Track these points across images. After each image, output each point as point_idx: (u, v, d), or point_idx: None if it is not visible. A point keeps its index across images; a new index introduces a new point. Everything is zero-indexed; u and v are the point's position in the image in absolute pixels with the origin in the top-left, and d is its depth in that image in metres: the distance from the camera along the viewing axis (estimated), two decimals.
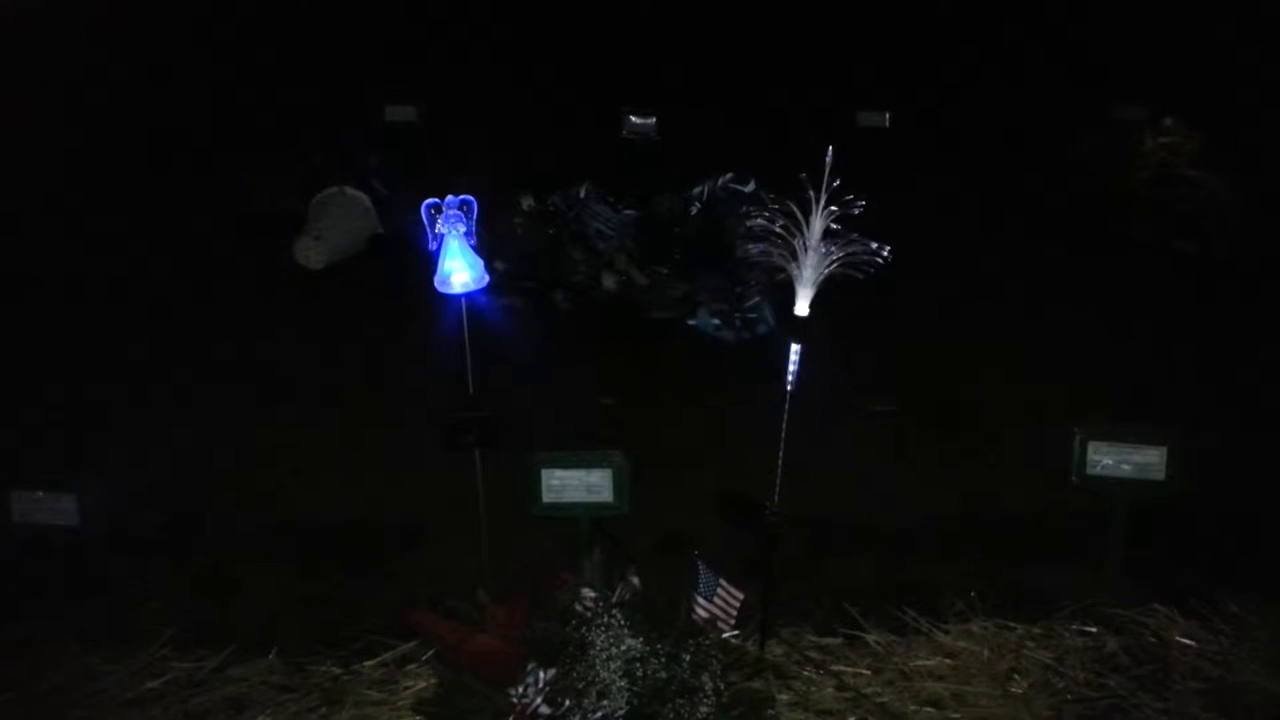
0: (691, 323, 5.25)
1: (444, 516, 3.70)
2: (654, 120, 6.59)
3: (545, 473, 3.29)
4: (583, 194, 5.84)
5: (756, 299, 5.19)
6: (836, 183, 2.65)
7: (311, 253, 5.93)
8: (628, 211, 5.81)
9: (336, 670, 3.15)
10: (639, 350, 5.07)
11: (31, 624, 3.30)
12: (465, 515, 3.40)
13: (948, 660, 3.12)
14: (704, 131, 6.75)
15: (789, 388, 2.84)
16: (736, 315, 5.17)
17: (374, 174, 6.39)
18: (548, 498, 3.30)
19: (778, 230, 2.69)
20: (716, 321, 5.18)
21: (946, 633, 3.22)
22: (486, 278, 3.03)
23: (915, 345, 4.99)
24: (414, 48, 7.95)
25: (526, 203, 5.83)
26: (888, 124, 6.61)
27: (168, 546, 3.74)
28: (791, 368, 2.83)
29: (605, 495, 3.28)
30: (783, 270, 2.83)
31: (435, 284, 3.00)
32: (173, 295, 5.56)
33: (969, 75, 7.78)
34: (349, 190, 6.21)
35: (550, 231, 5.73)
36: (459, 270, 2.94)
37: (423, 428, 4.02)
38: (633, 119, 6.52)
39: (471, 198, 2.91)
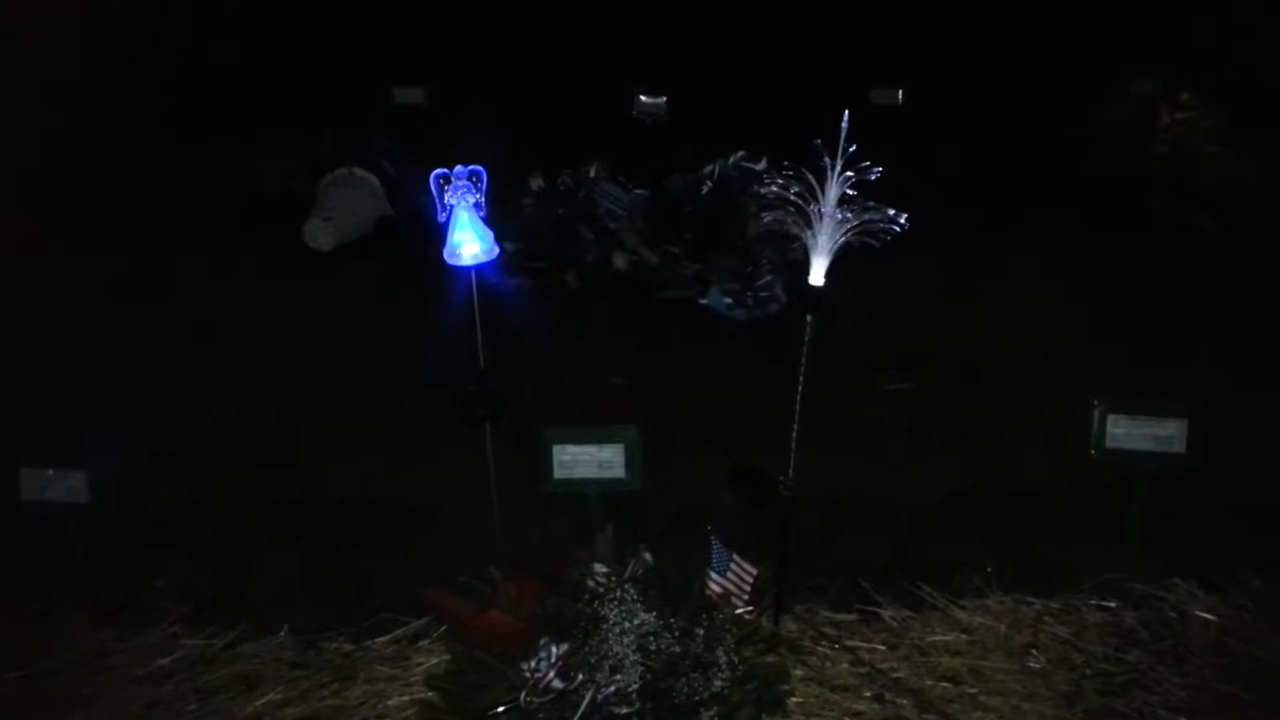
0: (703, 302, 5.21)
1: (456, 493, 3.67)
2: (664, 100, 6.54)
3: (557, 448, 3.26)
4: (593, 173, 5.79)
5: (768, 277, 5.15)
6: (853, 148, 2.60)
7: (320, 234, 5.91)
8: (638, 191, 5.76)
9: (348, 647, 3.13)
10: (651, 330, 5.02)
11: (42, 601, 3.30)
12: (477, 492, 3.38)
13: (964, 636, 3.08)
14: (714, 111, 6.69)
15: (804, 360, 2.79)
16: (749, 294, 5.12)
17: (382, 155, 6.36)
18: (559, 474, 3.28)
19: (791, 197, 2.64)
20: (729, 300, 5.14)
21: (963, 608, 3.18)
22: (496, 249, 2.99)
23: (932, 320, 4.94)
24: (421, 28, 7.90)
25: (536, 182, 5.79)
26: (900, 101, 6.53)
27: (179, 525, 3.72)
28: (807, 340, 2.77)
29: (618, 471, 3.25)
30: (797, 240, 2.78)
31: (445, 256, 2.96)
32: (183, 276, 5.55)
33: (983, 51, 7.68)
34: (358, 171, 6.19)
35: (560, 211, 5.69)
36: (468, 241, 2.90)
37: (435, 405, 4.00)
38: (642, 99, 6.47)
39: (480, 168, 2.87)
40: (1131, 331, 4.80)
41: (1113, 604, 3.15)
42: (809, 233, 2.65)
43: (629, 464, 3.24)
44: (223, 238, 5.94)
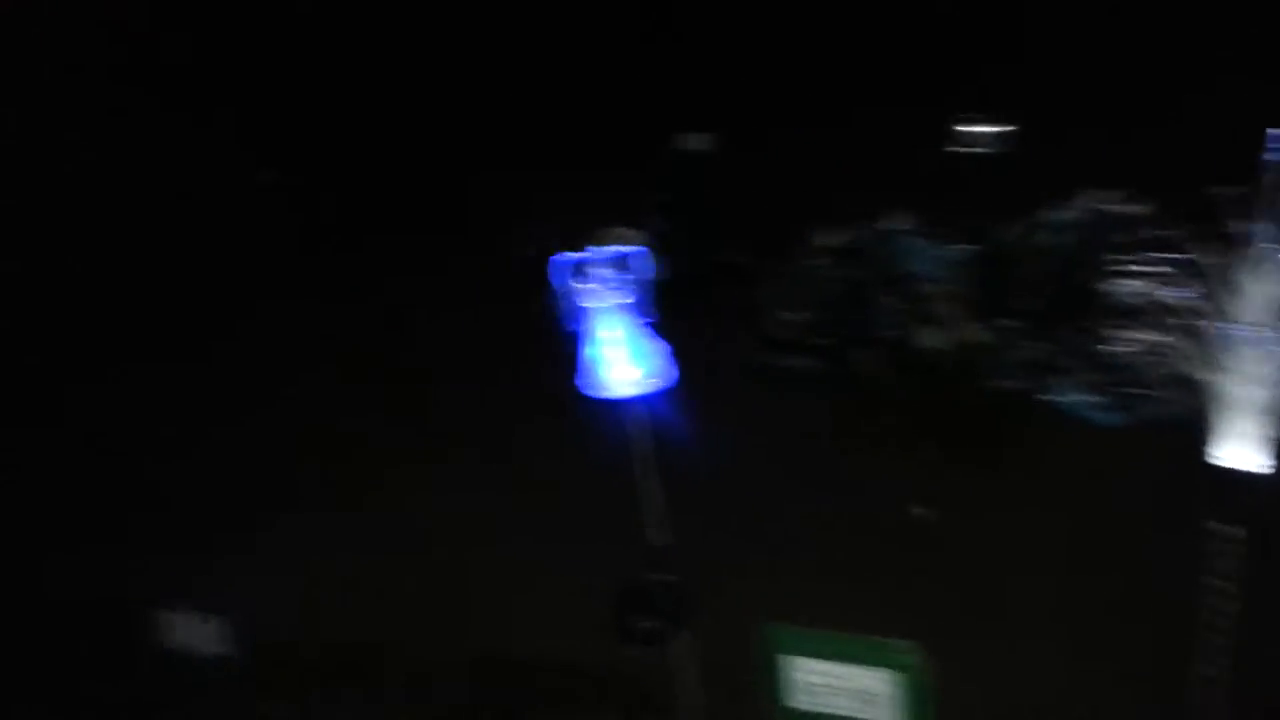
0: (1054, 398, 3.94)
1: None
2: (997, 129, 5.24)
3: (793, 661, 2.16)
4: (897, 227, 4.71)
5: (1148, 366, 3.70)
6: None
7: None
8: (958, 246, 4.56)
9: None
10: (974, 436, 3.78)
11: None
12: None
13: None
14: (1067, 138, 5.20)
15: (1228, 581, 1.47)
16: (1119, 390, 3.75)
17: (656, 211, 5.62)
18: (798, 700, 2.17)
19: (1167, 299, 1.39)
20: (1094, 397, 3.84)
21: None
22: (673, 372, 1.91)
23: None
24: (705, 72, 7.14)
25: (823, 239, 4.81)
26: None
27: (342, 677, 3.13)
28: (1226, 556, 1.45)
29: (884, 712, 2.07)
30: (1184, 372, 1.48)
31: (581, 385, 1.93)
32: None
33: None
34: (625, 232, 5.48)
35: (855, 274, 4.66)
36: (620, 363, 1.86)
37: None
38: (967, 127, 5.23)
39: (642, 249, 1.83)
40: None
41: None
42: (1208, 369, 1.34)
43: (906, 703, 2.05)
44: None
